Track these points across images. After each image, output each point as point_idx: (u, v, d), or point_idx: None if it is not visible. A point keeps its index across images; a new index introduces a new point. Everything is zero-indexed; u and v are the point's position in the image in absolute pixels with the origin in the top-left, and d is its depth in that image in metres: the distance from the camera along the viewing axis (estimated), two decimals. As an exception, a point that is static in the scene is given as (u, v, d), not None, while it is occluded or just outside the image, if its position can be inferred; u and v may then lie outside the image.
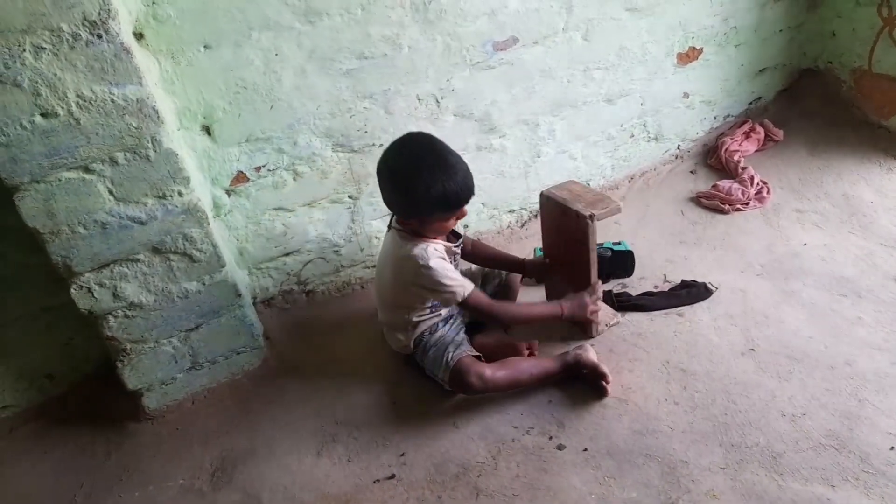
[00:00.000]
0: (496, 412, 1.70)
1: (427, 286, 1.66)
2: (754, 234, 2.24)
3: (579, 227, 1.73)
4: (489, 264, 2.01)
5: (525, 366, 1.73)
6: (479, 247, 2.02)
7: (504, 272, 2.01)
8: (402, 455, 1.63)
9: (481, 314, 1.76)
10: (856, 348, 1.71)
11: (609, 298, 2.00)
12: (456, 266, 1.86)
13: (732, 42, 2.60)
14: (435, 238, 1.72)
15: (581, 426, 1.62)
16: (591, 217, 1.70)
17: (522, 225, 2.48)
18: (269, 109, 1.86)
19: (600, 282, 1.83)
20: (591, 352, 1.75)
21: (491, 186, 2.35)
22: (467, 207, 1.69)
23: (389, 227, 1.80)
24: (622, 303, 1.98)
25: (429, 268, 1.63)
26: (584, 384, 1.72)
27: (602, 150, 2.54)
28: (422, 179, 1.56)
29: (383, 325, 1.89)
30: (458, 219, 1.71)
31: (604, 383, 1.68)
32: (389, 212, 1.83)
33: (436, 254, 1.66)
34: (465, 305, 1.70)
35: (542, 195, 1.87)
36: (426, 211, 1.62)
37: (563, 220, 1.80)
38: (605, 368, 1.69)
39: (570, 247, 1.81)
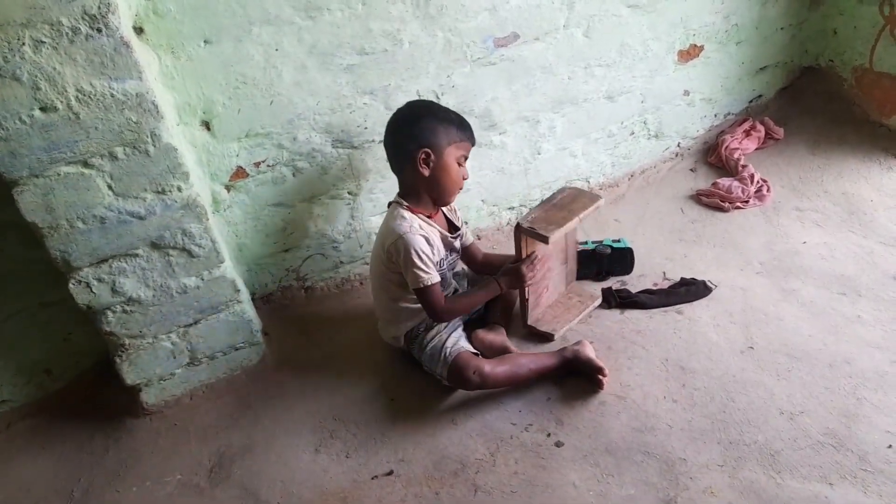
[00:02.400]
0: (495, 409, 1.70)
1: (400, 257, 1.68)
2: (754, 232, 2.24)
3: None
4: (486, 270, 1.97)
5: (523, 361, 1.73)
6: (473, 251, 2.00)
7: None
8: (401, 451, 1.63)
9: (429, 310, 1.74)
10: (855, 347, 1.71)
11: (609, 295, 2.00)
12: (452, 260, 1.86)
13: (733, 39, 2.59)
14: (434, 216, 1.78)
15: (580, 423, 1.62)
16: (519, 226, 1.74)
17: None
18: (269, 105, 1.86)
19: (535, 253, 1.81)
20: (589, 347, 1.75)
21: (491, 183, 2.35)
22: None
23: (390, 203, 1.81)
24: (622, 299, 1.98)
25: (407, 241, 1.66)
26: (582, 380, 1.72)
27: (602, 147, 2.53)
28: (438, 107, 1.77)
29: (378, 318, 1.90)
30: (463, 178, 1.78)
31: (600, 377, 1.68)
32: (390, 204, 1.83)
33: (419, 231, 1.70)
34: (420, 294, 1.70)
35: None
36: (444, 132, 1.69)
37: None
38: (601, 363, 1.70)
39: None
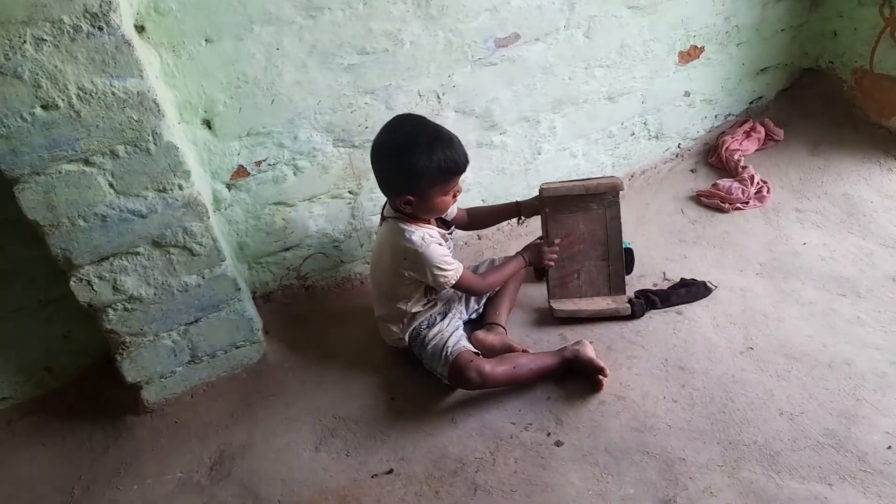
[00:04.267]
0: (494, 408, 1.70)
1: (424, 271, 1.70)
2: (754, 234, 2.24)
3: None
4: (490, 222, 2.14)
5: (524, 361, 1.73)
6: (475, 212, 2.09)
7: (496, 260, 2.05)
8: (401, 450, 1.63)
9: (471, 292, 1.90)
10: (854, 347, 1.72)
11: (639, 308, 1.93)
12: (451, 251, 1.88)
13: (734, 41, 2.60)
14: (430, 222, 1.79)
15: (579, 423, 1.62)
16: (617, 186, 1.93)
17: (522, 222, 2.48)
18: (270, 104, 1.86)
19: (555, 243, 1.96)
20: (590, 347, 1.76)
21: (491, 183, 2.35)
22: (464, 186, 1.79)
23: (382, 218, 1.83)
24: (650, 305, 1.94)
25: (426, 254, 1.68)
26: (582, 380, 1.72)
27: (603, 147, 2.53)
28: (421, 150, 1.62)
29: (378, 318, 1.91)
30: (454, 196, 1.75)
31: (600, 377, 1.68)
32: (384, 218, 1.84)
33: (432, 240, 1.72)
34: (457, 287, 1.78)
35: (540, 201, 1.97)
36: (427, 182, 1.65)
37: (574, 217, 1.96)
38: (601, 363, 1.70)
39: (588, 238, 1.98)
